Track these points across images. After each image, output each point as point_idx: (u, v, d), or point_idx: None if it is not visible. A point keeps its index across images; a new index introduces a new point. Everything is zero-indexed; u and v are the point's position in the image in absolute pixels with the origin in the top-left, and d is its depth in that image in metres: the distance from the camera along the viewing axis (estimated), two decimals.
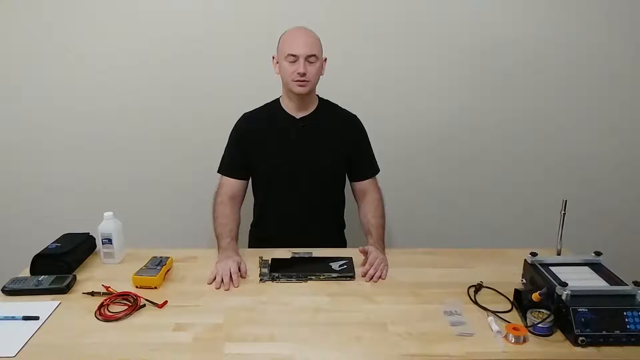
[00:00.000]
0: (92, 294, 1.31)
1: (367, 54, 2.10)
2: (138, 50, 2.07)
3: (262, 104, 1.76)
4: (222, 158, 1.74)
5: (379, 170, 1.79)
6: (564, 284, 1.15)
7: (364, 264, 1.47)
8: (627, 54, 2.12)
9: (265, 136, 1.69)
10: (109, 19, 2.03)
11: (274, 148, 1.69)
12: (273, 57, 1.65)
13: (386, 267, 1.48)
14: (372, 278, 1.42)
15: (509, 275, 1.39)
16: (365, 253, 1.49)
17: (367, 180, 1.75)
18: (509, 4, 2.06)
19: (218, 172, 1.73)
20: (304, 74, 1.56)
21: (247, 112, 1.75)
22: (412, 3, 2.05)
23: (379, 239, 1.61)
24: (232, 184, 1.70)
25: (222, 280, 1.38)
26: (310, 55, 1.56)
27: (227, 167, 1.72)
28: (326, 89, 1.74)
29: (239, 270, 1.42)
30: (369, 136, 1.78)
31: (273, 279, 1.41)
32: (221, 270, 1.40)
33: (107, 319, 1.20)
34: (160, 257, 1.47)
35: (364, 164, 1.76)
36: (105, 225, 1.50)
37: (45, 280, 1.35)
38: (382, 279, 1.44)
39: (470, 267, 1.50)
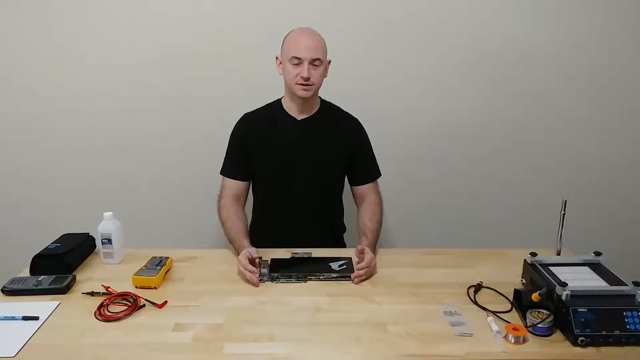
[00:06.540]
0: (92, 294, 1.31)
1: (370, 55, 2.10)
2: (138, 50, 2.06)
3: (263, 105, 1.75)
4: (224, 160, 1.73)
5: (380, 174, 1.78)
6: (563, 284, 1.15)
7: (358, 263, 1.45)
8: (627, 54, 2.12)
9: (265, 137, 1.68)
10: (111, 19, 2.03)
11: (274, 149, 1.68)
12: (277, 58, 1.64)
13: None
14: (360, 279, 1.40)
15: (509, 275, 1.39)
16: (362, 252, 1.47)
17: (366, 185, 1.74)
18: (513, 5, 2.06)
19: (221, 173, 1.72)
20: (308, 78, 1.54)
21: (247, 112, 1.74)
22: (416, 3, 2.05)
23: (372, 243, 1.59)
24: (234, 185, 1.70)
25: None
26: (315, 59, 1.54)
27: (229, 168, 1.71)
28: (329, 90, 1.73)
29: (252, 257, 1.43)
30: (370, 137, 1.77)
31: (273, 279, 1.41)
32: (241, 274, 1.42)
33: (107, 319, 1.20)
34: (160, 257, 1.47)
35: (363, 168, 1.75)
36: (105, 225, 1.49)
37: (45, 280, 1.35)
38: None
39: (470, 267, 1.50)
